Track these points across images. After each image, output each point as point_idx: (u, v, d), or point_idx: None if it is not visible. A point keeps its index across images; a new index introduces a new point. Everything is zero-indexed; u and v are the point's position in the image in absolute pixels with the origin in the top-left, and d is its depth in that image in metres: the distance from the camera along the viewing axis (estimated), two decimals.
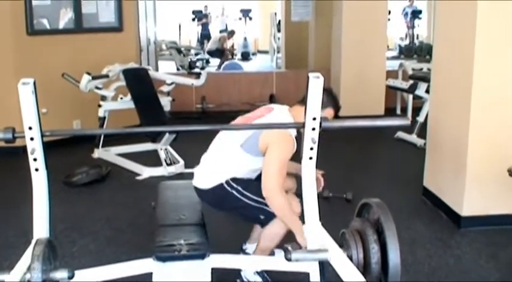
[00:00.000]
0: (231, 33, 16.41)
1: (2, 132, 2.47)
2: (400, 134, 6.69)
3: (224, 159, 3.14)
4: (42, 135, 2.47)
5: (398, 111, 8.28)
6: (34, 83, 2.42)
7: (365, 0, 7.74)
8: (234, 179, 3.07)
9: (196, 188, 3.20)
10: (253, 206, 3.01)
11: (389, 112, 8.00)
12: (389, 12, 8.91)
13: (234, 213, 3.22)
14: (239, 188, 3.04)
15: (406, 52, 15.73)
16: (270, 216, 2.98)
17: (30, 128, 2.44)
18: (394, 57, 14.37)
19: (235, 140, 3.07)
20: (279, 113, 3.15)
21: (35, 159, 2.50)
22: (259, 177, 3.06)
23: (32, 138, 2.45)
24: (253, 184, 3.06)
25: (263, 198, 2.94)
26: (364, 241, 2.43)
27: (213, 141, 3.23)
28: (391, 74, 8.10)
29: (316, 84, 2.53)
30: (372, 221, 2.49)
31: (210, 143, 3.24)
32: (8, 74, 5.94)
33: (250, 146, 3.01)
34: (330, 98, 3.14)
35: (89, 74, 5.71)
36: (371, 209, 2.54)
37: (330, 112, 3.11)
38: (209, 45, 15.01)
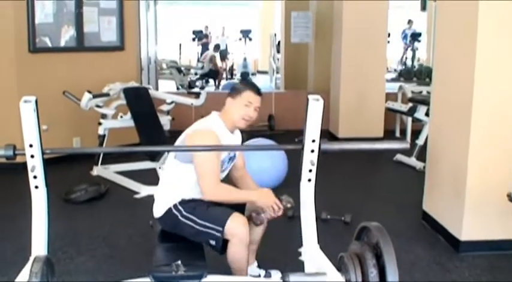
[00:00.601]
0: (218, 48, 16.29)
1: (3, 149, 2.50)
2: (399, 157, 6.69)
3: (168, 180, 3.16)
4: (43, 153, 2.49)
5: (398, 134, 8.30)
6: (36, 101, 2.44)
7: (365, 22, 7.79)
8: (182, 202, 3.04)
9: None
10: (200, 230, 2.94)
11: (389, 134, 8.01)
12: (389, 35, 8.94)
13: (193, 240, 3.09)
14: (183, 212, 2.99)
15: (406, 75, 15.80)
16: (219, 240, 2.90)
17: (30, 146, 2.45)
18: (393, 80, 14.42)
19: (171, 154, 3.11)
20: (207, 117, 3.22)
21: (35, 177, 2.51)
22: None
23: (32, 156, 2.47)
24: (201, 207, 3.01)
25: (210, 222, 2.90)
26: (363, 265, 2.42)
27: None
28: (390, 97, 8.13)
29: (315, 107, 2.54)
30: (371, 245, 2.48)
31: None
32: (10, 90, 5.98)
33: (182, 154, 3.03)
34: (243, 83, 3.18)
35: (89, 92, 5.73)
36: (370, 232, 2.53)
37: (249, 94, 3.11)
38: (204, 68, 14.93)
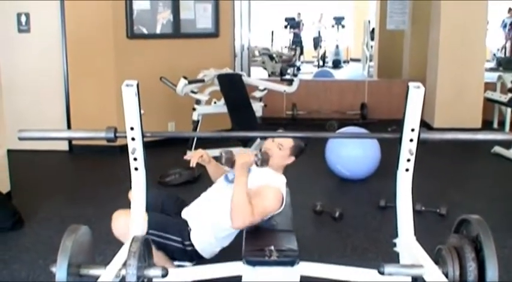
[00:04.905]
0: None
1: (105, 131, 2.53)
2: (498, 149, 6.45)
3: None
4: (143, 136, 2.53)
5: (496, 125, 7.99)
6: (137, 85, 2.48)
7: (464, 9, 7.54)
8: None
9: None
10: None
11: (486, 125, 7.74)
12: (488, 23, 8.62)
13: None
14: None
15: (505, 64, 15.18)
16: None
17: (132, 129, 2.49)
18: (492, 69, 13.89)
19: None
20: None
21: (135, 159, 2.56)
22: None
23: (133, 138, 2.51)
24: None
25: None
26: (461, 258, 2.34)
27: None
28: (488, 86, 7.83)
29: (416, 95, 2.47)
30: (470, 238, 2.40)
31: None
32: (108, 74, 6.21)
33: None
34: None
35: (185, 78, 5.84)
36: (470, 225, 2.45)
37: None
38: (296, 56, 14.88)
